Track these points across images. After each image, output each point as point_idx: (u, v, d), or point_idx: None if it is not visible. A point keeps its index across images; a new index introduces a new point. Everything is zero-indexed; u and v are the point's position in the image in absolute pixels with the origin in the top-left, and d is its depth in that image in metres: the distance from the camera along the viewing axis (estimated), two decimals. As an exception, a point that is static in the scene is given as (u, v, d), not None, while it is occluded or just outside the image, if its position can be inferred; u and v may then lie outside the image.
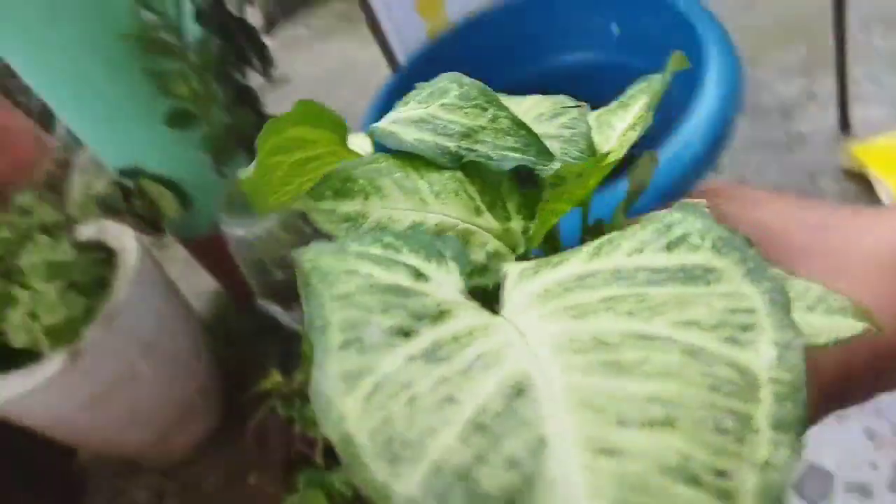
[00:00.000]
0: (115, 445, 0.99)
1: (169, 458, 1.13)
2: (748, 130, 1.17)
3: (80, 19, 0.91)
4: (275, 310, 1.04)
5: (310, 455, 0.80)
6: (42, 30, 0.92)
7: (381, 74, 0.94)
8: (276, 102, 1.08)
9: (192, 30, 0.97)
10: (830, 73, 1.08)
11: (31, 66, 0.98)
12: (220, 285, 1.30)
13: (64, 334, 0.86)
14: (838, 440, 0.80)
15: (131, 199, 1.11)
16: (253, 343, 1.24)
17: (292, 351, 0.95)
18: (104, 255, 1.02)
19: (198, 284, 1.39)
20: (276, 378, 0.86)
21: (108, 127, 1.04)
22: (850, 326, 0.16)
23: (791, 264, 0.19)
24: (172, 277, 1.14)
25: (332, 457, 0.82)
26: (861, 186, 1.01)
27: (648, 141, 0.22)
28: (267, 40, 1.02)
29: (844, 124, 1.11)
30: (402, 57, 0.94)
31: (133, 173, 1.08)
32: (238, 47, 0.94)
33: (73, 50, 0.94)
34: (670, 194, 0.67)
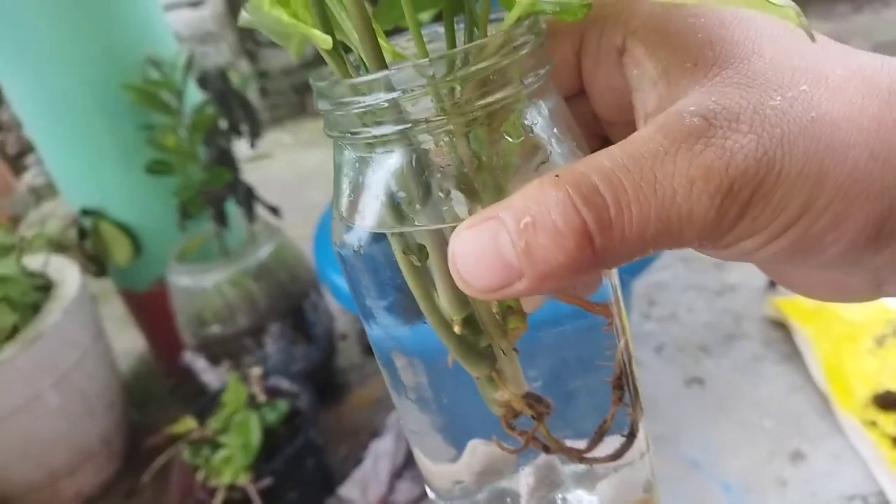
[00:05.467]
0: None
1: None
2: (684, 274, 1.34)
3: (90, 64, 1.06)
4: (200, 365, 1.09)
5: (207, 504, 0.82)
6: (51, 68, 1.06)
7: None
8: (250, 174, 1.23)
9: (194, 93, 1.14)
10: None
11: (30, 98, 1.12)
12: (149, 343, 1.34)
13: (-16, 343, 0.90)
14: None
15: (85, 240, 1.20)
16: (168, 405, 1.26)
17: (209, 408, 0.99)
18: (45, 283, 1.09)
19: (126, 343, 1.42)
20: (189, 423, 0.90)
21: (85, 167, 1.16)
22: None
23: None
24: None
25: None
26: (781, 333, 1.16)
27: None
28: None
29: (772, 282, 1.29)
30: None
31: (94, 214, 1.17)
32: (232, 118, 1.10)
33: (75, 90, 1.08)
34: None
